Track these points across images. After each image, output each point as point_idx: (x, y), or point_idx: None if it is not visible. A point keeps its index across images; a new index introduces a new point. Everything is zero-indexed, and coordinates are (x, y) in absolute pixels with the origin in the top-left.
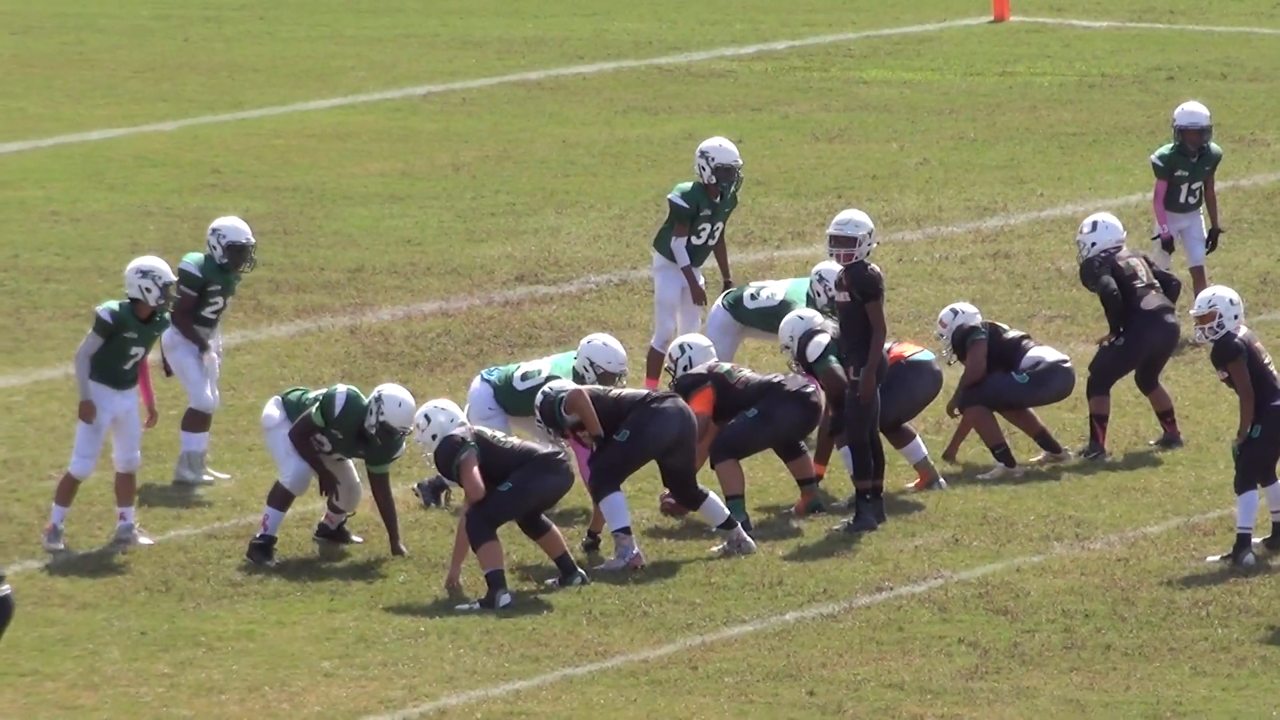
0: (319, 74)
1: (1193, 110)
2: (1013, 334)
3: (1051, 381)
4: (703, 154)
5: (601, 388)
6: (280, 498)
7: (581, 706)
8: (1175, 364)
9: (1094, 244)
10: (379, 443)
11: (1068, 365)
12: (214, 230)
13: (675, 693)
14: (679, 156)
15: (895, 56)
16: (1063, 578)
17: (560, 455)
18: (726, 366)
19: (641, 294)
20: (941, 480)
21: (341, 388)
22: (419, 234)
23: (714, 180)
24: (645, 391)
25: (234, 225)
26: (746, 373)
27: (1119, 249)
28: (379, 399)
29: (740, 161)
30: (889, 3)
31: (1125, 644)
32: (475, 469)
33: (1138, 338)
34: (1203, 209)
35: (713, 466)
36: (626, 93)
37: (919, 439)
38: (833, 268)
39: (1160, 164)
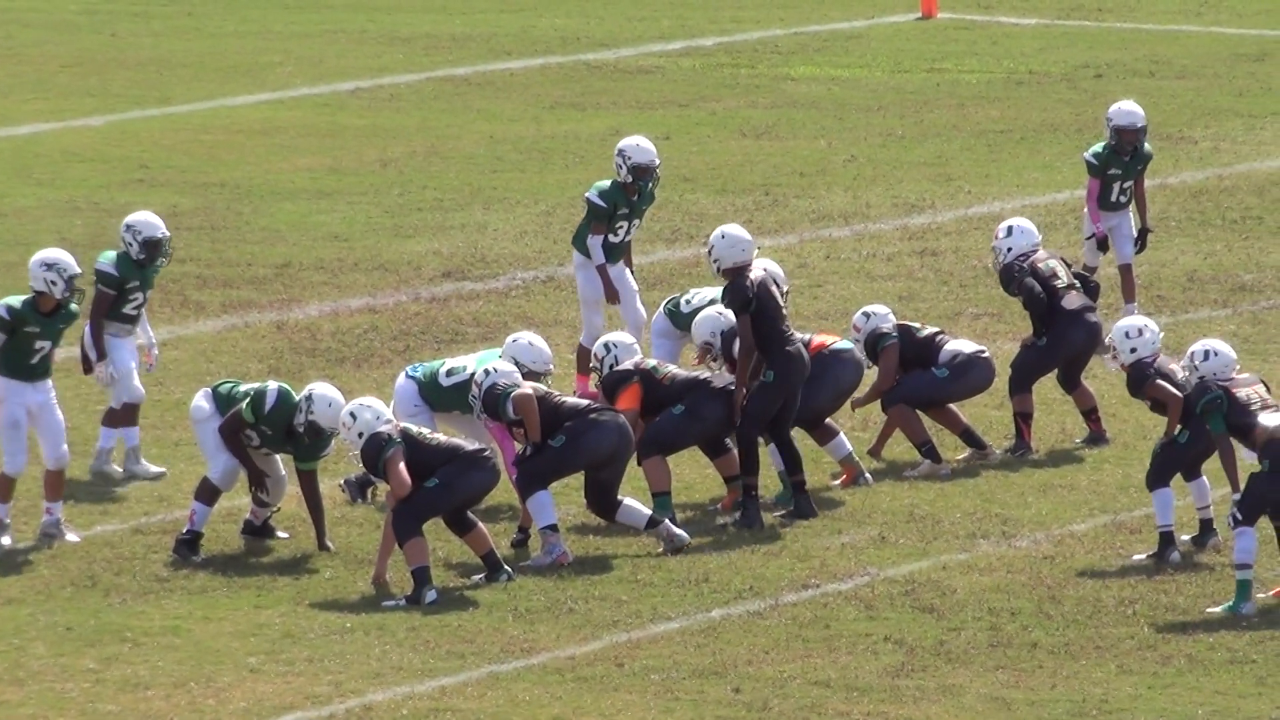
0: (247, 69)
1: (1130, 110)
2: (927, 331)
3: (971, 373)
4: (620, 152)
5: (545, 389)
6: (208, 493)
7: (507, 703)
8: (1101, 362)
9: (1010, 249)
10: (307, 440)
11: (986, 356)
12: (128, 226)
13: (601, 689)
14: (606, 153)
15: (823, 53)
16: (989, 575)
17: (486, 452)
18: (652, 363)
19: (568, 290)
20: (867, 476)
21: (273, 384)
22: (346, 230)
23: (631, 179)
24: (588, 402)
25: (147, 220)
26: (673, 369)
27: (1035, 251)
28: (309, 398)
29: (658, 161)
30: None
31: (1051, 642)
32: (401, 466)
33: (1060, 337)
34: (1132, 207)
35: (640, 463)
36: (554, 89)
37: (843, 435)
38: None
39: (1094, 162)
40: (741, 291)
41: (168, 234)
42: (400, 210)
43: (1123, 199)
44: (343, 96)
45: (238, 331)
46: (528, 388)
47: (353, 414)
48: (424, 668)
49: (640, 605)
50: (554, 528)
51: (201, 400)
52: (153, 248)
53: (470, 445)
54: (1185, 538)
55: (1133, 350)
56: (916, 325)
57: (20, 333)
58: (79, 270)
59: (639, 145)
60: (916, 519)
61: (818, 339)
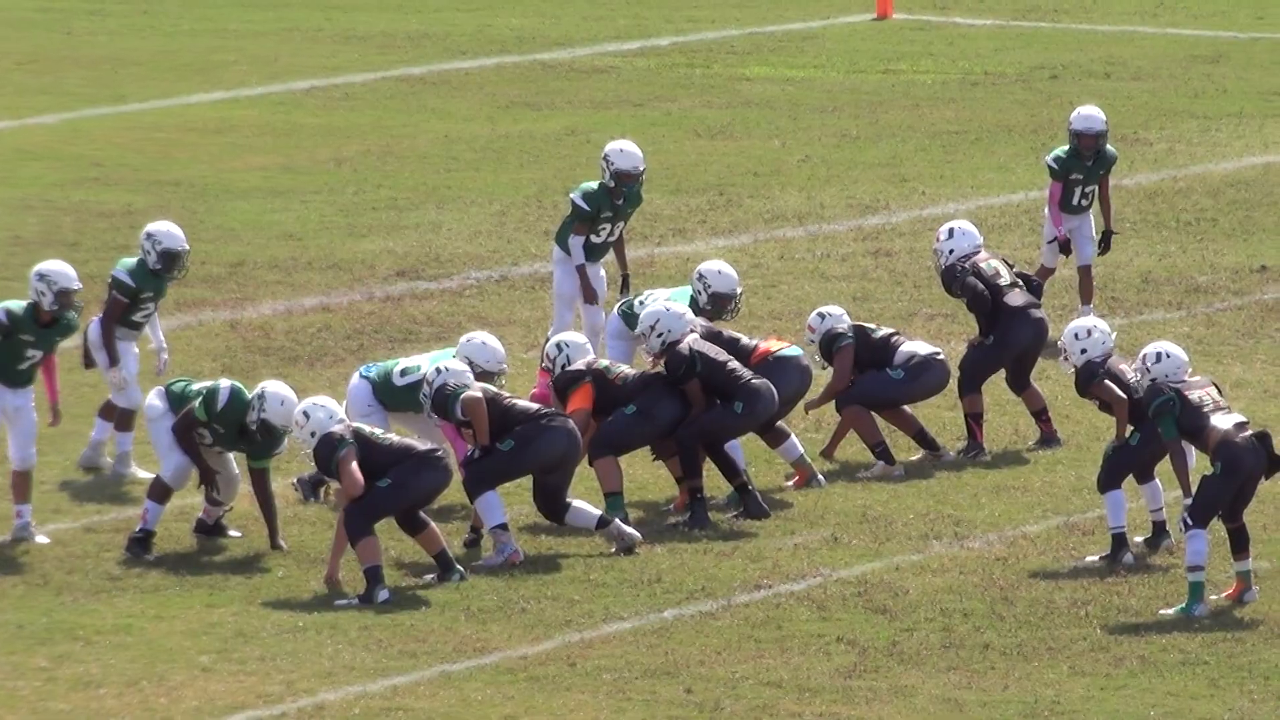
0: (201, 68)
1: (1089, 114)
2: (882, 332)
3: (926, 375)
4: (605, 157)
5: (495, 390)
6: (160, 491)
7: (459, 703)
8: (1053, 363)
9: (951, 250)
10: (260, 439)
11: (941, 358)
12: (149, 235)
13: (553, 689)
14: (561, 152)
15: (778, 53)
16: (941, 576)
17: (439, 452)
18: (605, 363)
19: (522, 290)
20: (820, 478)
21: (225, 382)
22: (300, 228)
23: (614, 184)
24: (539, 407)
25: (169, 231)
26: (625, 370)
27: (977, 253)
28: (262, 396)
29: (642, 166)
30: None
31: (1004, 643)
32: (354, 465)
33: (1006, 335)
34: (1095, 209)
35: (591, 463)
36: (509, 88)
37: (794, 438)
38: (713, 267)
39: (1055, 166)
40: (680, 361)
41: (187, 247)
42: (354, 209)
43: (1084, 202)
44: (298, 95)
45: (191, 330)
46: (477, 389)
47: (305, 413)
48: (376, 667)
49: (593, 605)
50: (504, 527)
51: (154, 399)
52: (171, 259)
53: (422, 445)
54: (1139, 539)
55: (1083, 351)
56: (872, 326)
57: (14, 338)
58: (75, 285)
59: (623, 151)
60: (869, 520)
61: (763, 345)
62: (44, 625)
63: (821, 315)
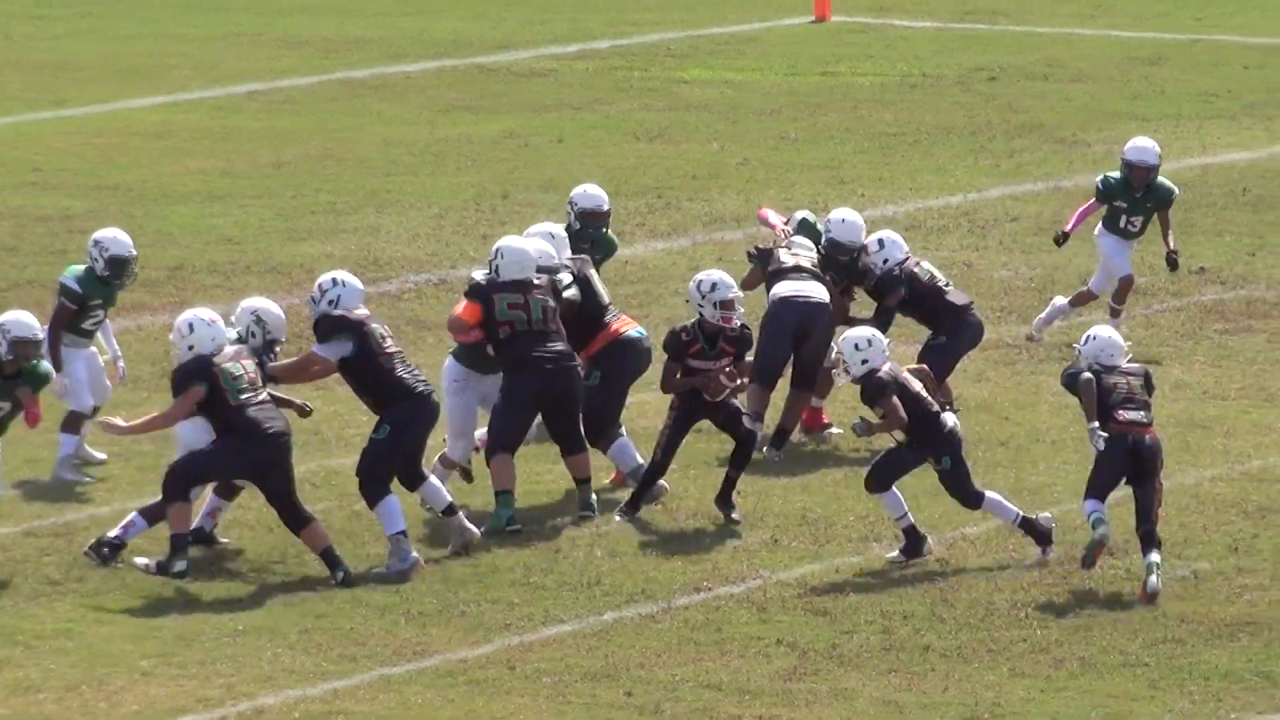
0: (143, 72)
1: (1143, 146)
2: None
3: (966, 332)
4: (570, 201)
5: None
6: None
7: (399, 706)
8: (996, 364)
9: (886, 260)
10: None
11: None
12: (96, 242)
13: (493, 693)
14: (500, 155)
15: (717, 56)
16: (882, 578)
17: (274, 431)
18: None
19: (460, 293)
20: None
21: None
22: (239, 233)
23: (580, 226)
24: (408, 378)
25: (116, 238)
26: None
27: (908, 259)
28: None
29: (606, 206)
30: (711, 3)
31: (944, 645)
32: (191, 405)
33: (958, 331)
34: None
35: (488, 462)
36: (448, 92)
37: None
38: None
39: (1102, 187)
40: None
41: (134, 253)
42: (293, 213)
43: (1130, 229)
44: (238, 99)
45: (130, 334)
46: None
47: (191, 325)
48: (316, 670)
49: (532, 608)
50: (404, 533)
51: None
52: (119, 266)
53: (271, 424)
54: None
55: (864, 361)
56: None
57: None
58: (28, 334)
59: (585, 192)
60: (809, 522)
61: (616, 324)
62: None
63: (881, 243)
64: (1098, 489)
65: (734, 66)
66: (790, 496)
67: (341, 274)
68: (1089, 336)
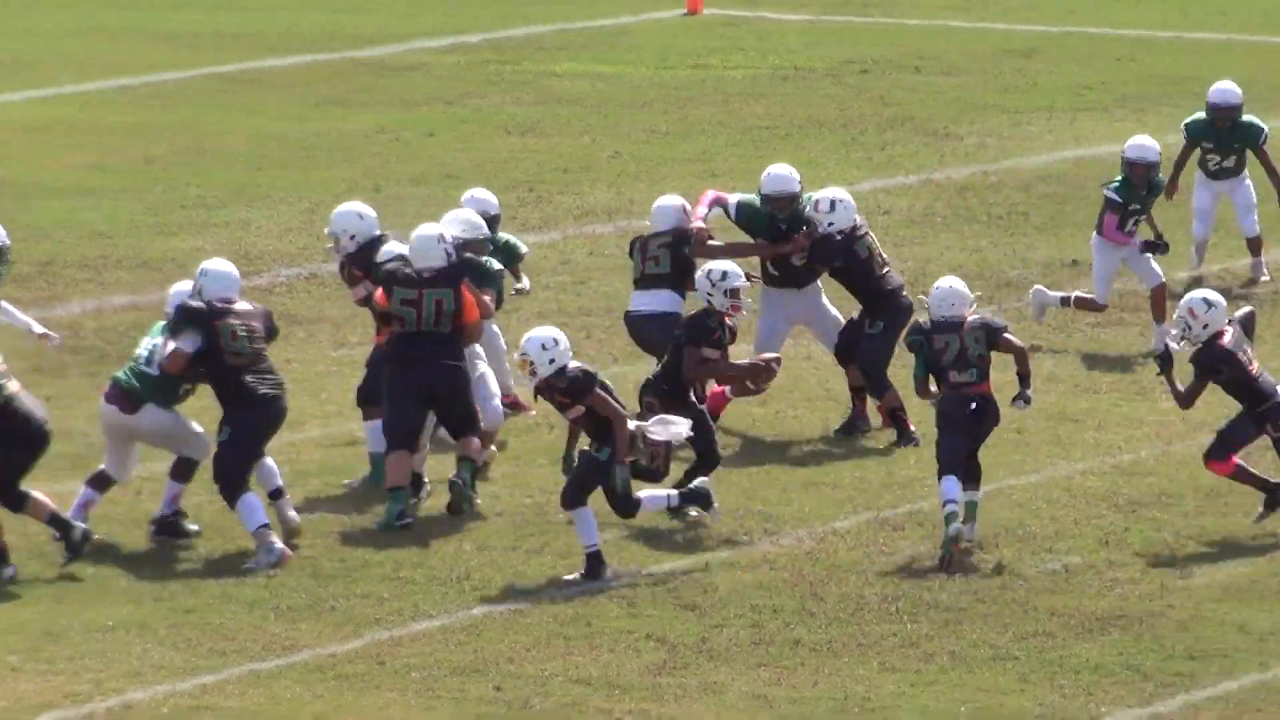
0: (12, 67)
1: (1142, 144)
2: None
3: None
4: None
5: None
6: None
7: (268, 701)
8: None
9: (831, 224)
10: None
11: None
12: None
13: (362, 688)
14: (371, 150)
15: (588, 49)
16: (751, 573)
17: (38, 427)
18: None
19: (332, 287)
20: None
21: None
22: (110, 227)
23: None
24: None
25: None
26: None
27: (855, 229)
28: None
29: (495, 210)
30: None
31: (814, 639)
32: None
33: (896, 318)
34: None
35: (386, 455)
36: (319, 86)
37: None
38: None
39: (1117, 199)
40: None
41: (9, 242)
42: (164, 208)
43: (1133, 228)
44: (109, 94)
45: (0, 329)
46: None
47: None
48: (185, 666)
49: (402, 603)
50: (267, 527)
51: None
52: None
53: (37, 415)
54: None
55: (551, 361)
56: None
57: None
58: None
59: (474, 196)
60: (679, 517)
61: None
62: None
63: (833, 204)
64: (948, 461)
65: (605, 60)
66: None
67: (211, 263)
68: (936, 286)
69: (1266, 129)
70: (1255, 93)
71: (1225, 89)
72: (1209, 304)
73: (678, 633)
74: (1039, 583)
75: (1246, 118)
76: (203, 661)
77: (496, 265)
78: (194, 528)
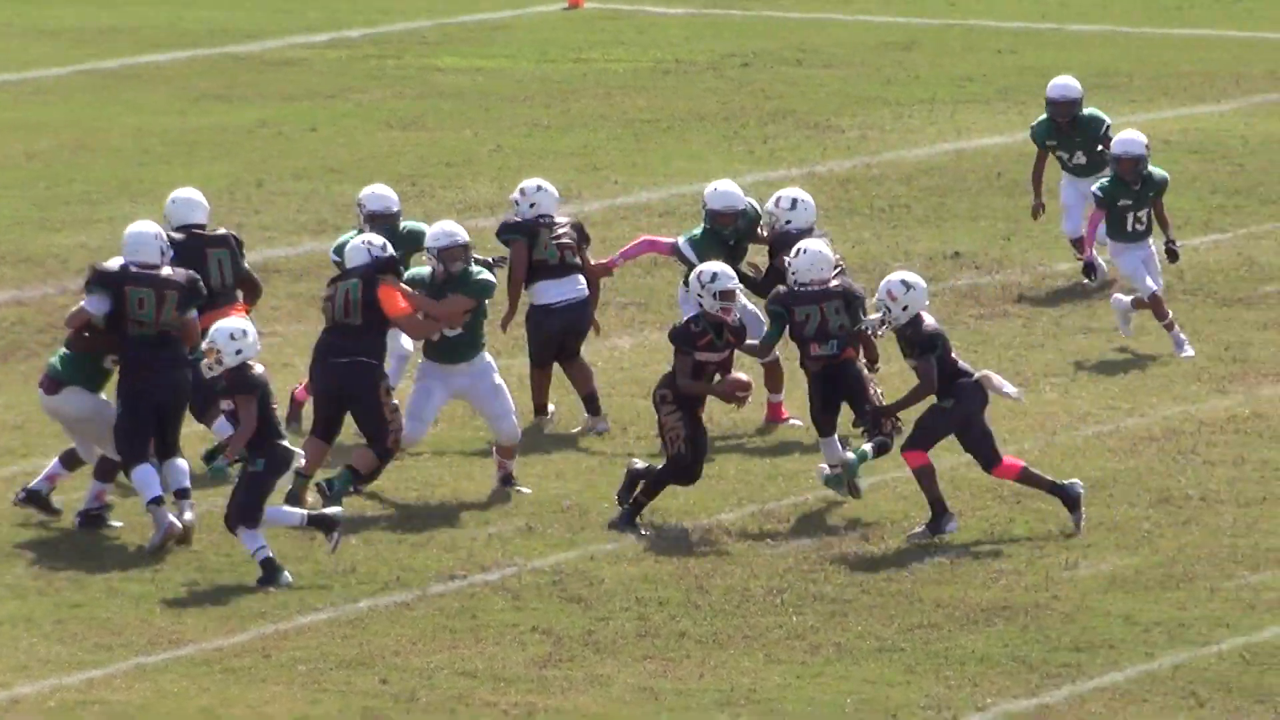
0: None
1: (1128, 138)
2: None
3: None
4: (358, 202)
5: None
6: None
7: (154, 695)
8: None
9: (789, 222)
10: None
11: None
12: None
13: (248, 681)
14: (252, 144)
15: (469, 44)
16: (637, 565)
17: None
18: None
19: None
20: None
21: None
22: None
23: (369, 227)
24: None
25: None
26: None
27: (811, 230)
28: None
29: (395, 208)
30: None
31: (699, 631)
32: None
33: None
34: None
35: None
36: (200, 81)
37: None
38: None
39: (1101, 195)
40: None
41: None
42: (47, 203)
43: (1138, 227)
44: None
45: None
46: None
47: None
48: (71, 660)
49: (287, 597)
50: (159, 500)
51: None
52: None
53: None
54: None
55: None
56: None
57: None
58: None
59: (374, 193)
60: (564, 510)
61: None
62: None
63: (794, 203)
64: (822, 427)
65: (486, 54)
66: (545, 485)
67: (137, 225)
68: (799, 249)
69: (1109, 120)
70: (1136, 85)
71: (1063, 84)
72: (908, 286)
73: (563, 625)
74: (924, 574)
75: (1088, 111)
76: (89, 656)
77: (486, 275)
78: (117, 524)
